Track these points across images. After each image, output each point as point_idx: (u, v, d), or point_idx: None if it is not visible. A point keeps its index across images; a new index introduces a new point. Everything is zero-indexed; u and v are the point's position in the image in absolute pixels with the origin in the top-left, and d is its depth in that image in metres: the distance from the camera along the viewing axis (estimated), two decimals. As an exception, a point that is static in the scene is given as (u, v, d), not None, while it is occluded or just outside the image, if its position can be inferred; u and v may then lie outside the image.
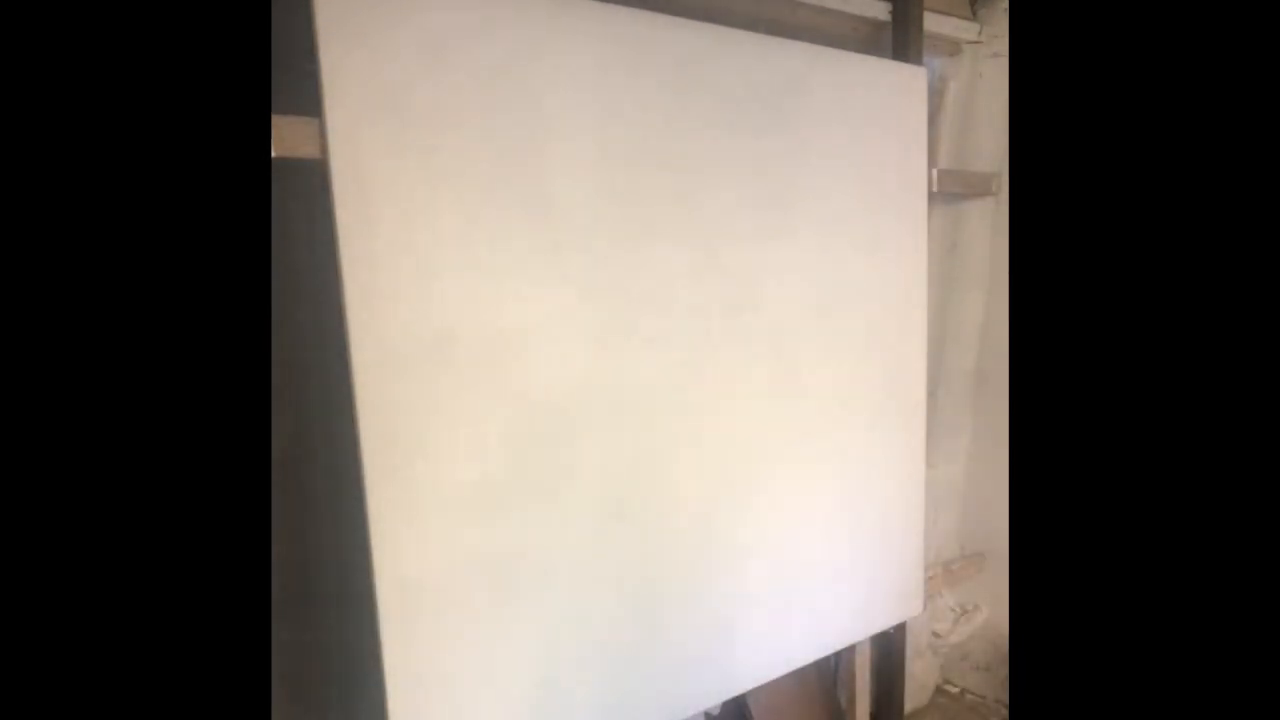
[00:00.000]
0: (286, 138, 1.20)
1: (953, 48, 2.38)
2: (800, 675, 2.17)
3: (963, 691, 2.80)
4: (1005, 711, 2.64)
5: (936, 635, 2.73)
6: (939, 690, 2.81)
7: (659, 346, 1.62)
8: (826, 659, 2.27)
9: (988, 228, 2.51)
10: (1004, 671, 2.64)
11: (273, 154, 1.18)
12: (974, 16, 2.36)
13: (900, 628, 2.31)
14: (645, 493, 1.63)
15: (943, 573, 2.59)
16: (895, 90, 1.99)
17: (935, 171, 2.17)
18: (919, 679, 2.70)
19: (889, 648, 2.39)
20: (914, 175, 2.07)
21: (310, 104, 1.21)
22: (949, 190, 2.32)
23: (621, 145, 1.53)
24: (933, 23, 2.17)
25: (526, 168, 1.41)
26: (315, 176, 1.23)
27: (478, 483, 1.40)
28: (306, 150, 1.22)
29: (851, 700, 2.38)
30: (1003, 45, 2.33)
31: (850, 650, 2.32)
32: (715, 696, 1.83)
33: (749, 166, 1.72)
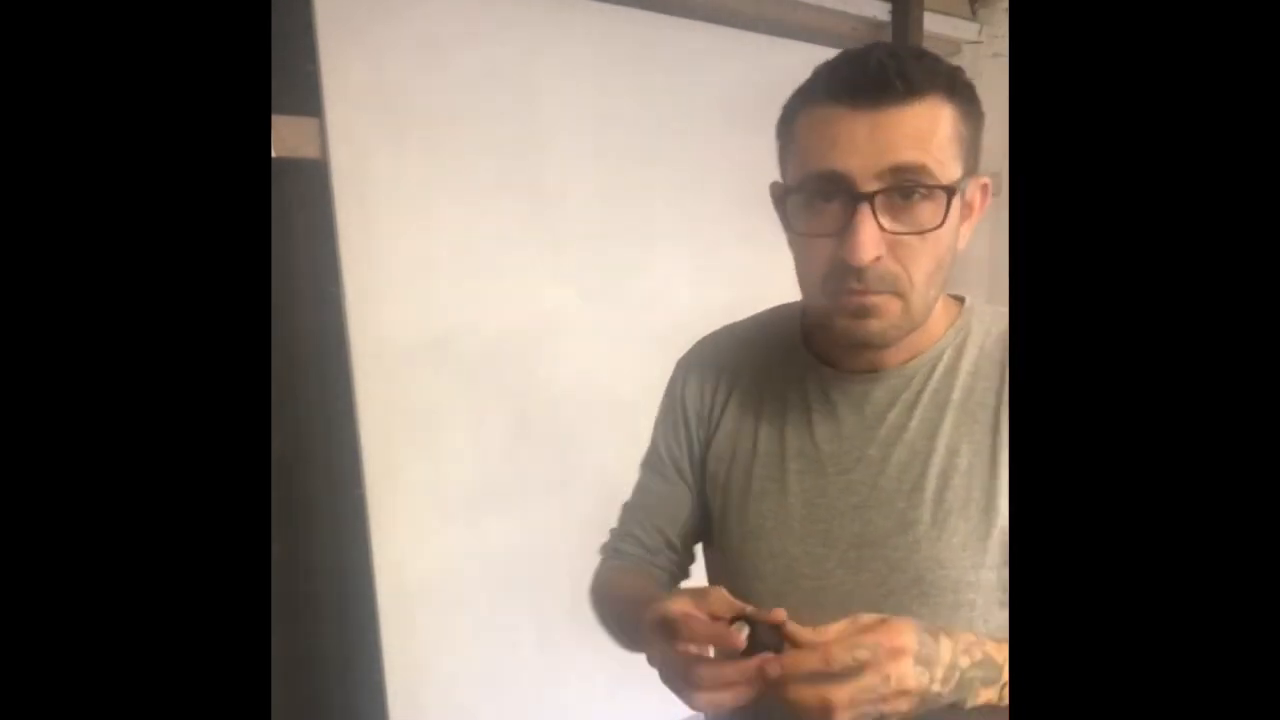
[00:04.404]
0: (286, 138, 1.20)
1: (953, 48, 2.37)
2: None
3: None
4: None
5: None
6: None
7: (659, 346, 1.61)
8: (826, 659, 2.27)
9: (988, 228, 2.50)
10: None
11: (273, 154, 1.18)
12: (974, 16, 2.36)
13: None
14: (645, 493, 1.63)
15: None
16: (895, 90, 1.99)
17: (935, 171, 2.17)
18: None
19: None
20: (914, 175, 2.07)
21: (310, 104, 1.21)
22: (949, 190, 2.32)
23: (621, 145, 1.53)
24: (932, 23, 2.17)
25: (526, 167, 1.41)
26: (315, 176, 1.23)
27: (478, 483, 1.40)
28: (306, 150, 1.22)
29: (851, 700, 2.37)
30: (1003, 45, 2.33)
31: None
32: (715, 697, 1.82)
33: (749, 166, 1.72)
